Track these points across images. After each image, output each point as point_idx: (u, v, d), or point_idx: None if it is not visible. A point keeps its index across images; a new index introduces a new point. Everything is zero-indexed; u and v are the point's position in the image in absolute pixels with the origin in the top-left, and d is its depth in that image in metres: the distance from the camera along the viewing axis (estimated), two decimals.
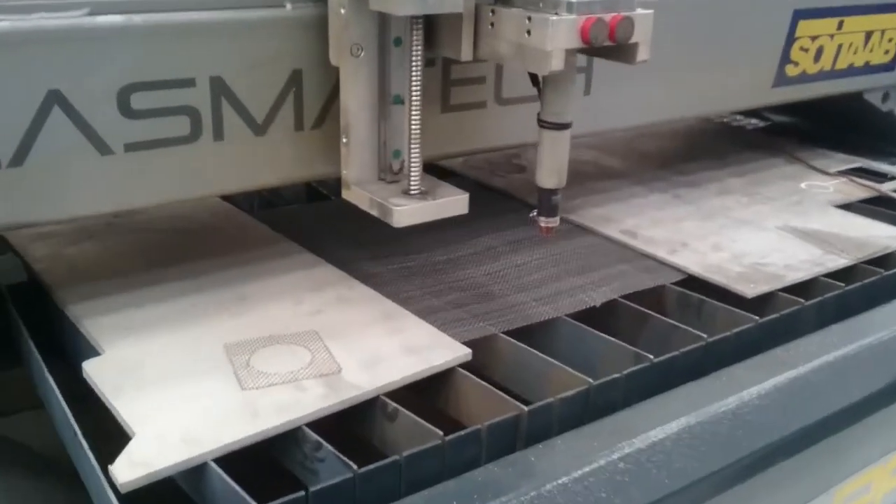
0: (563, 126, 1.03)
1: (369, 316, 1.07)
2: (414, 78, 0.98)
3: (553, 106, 1.02)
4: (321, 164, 1.10)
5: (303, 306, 1.09)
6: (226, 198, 1.42)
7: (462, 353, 0.99)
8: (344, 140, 1.04)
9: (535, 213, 1.08)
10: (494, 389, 0.95)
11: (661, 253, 1.31)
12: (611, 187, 1.60)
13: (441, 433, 0.86)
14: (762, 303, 1.21)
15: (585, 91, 1.34)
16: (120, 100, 0.94)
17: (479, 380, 0.97)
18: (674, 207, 1.51)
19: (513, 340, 1.06)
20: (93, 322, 1.03)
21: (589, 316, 1.17)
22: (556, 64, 0.93)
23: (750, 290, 1.20)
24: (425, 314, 1.10)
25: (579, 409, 0.96)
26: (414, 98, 0.99)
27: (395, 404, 0.91)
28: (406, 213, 0.99)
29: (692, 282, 1.25)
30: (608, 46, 0.99)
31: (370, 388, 0.92)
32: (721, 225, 1.44)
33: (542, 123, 1.03)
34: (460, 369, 0.99)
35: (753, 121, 2.18)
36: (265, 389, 0.91)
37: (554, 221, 1.09)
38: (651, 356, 1.03)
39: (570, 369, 1.00)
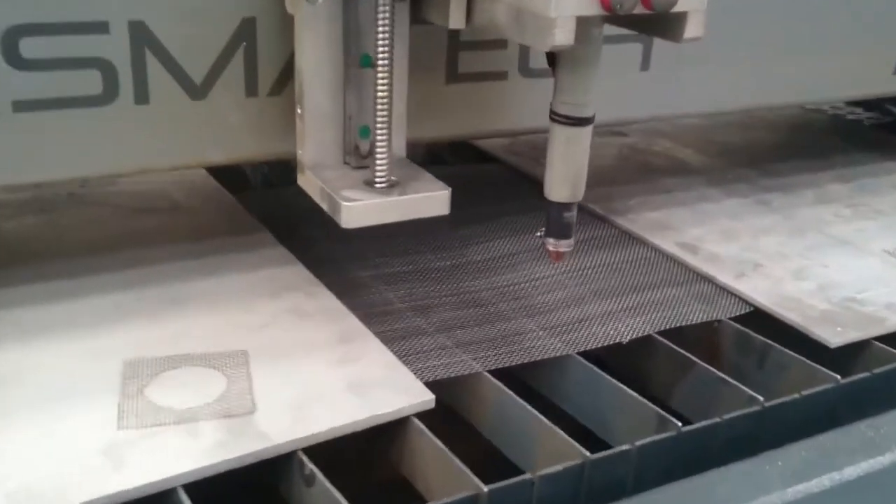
0: (582, 121, 0.77)
1: (322, 336, 0.84)
2: (381, 33, 0.74)
3: (568, 94, 0.76)
4: (281, 141, 0.87)
5: (247, 316, 0.87)
6: (222, 172, 1.22)
7: (421, 399, 0.76)
8: (298, 111, 0.81)
9: (541, 233, 0.83)
10: (451, 457, 0.71)
11: (725, 276, 1.03)
12: (678, 186, 1.31)
13: None
14: (850, 355, 0.92)
15: (643, 66, 1.07)
16: (5, 45, 0.74)
17: (435, 440, 0.73)
18: (754, 216, 1.22)
19: (499, 385, 0.81)
20: None
21: (613, 355, 0.91)
22: (563, 37, 0.67)
23: (834, 337, 0.91)
24: (397, 338, 0.86)
25: (568, 491, 0.71)
26: (381, 59, 0.75)
27: (311, 466, 0.68)
28: (357, 211, 0.75)
29: (759, 318, 0.97)
30: (645, 17, 0.72)
31: (282, 440, 0.69)
32: (811, 244, 1.14)
33: (555, 117, 0.77)
34: (416, 421, 0.75)
35: (872, 115, 1.82)
36: (148, 430, 0.70)
37: (566, 245, 0.82)
38: (678, 423, 0.76)
39: (562, 434, 0.74)
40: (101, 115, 0.79)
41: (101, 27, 0.77)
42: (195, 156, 0.86)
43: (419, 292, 0.97)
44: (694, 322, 0.94)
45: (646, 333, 0.91)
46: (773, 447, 0.78)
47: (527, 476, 0.69)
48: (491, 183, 1.34)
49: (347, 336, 0.85)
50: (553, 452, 0.75)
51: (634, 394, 0.81)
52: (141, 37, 0.79)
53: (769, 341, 0.91)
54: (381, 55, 0.74)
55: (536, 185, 1.30)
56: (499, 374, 0.86)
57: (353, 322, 0.87)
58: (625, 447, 0.73)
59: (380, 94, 0.75)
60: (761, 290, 1.00)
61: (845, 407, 0.85)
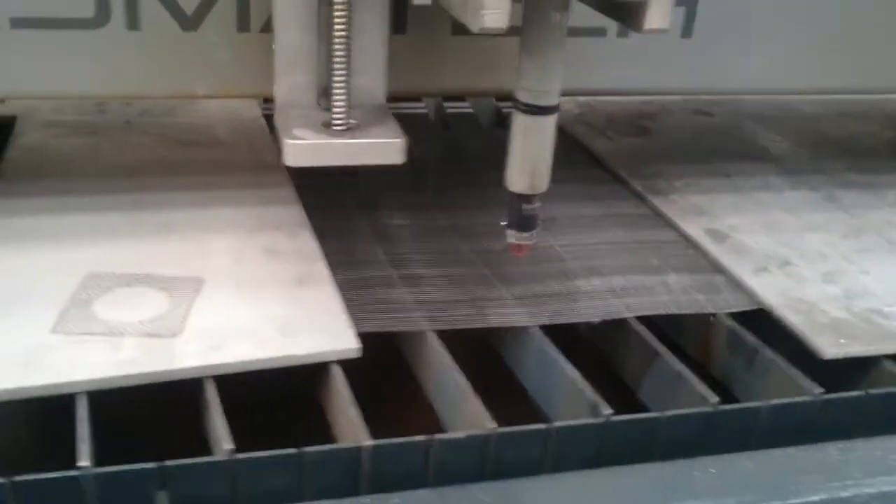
0: (542, 110, 0.72)
1: (282, 275, 0.85)
2: None
3: (528, 80, 0.71)
4: (272, 79, 0.87)
5: (222, 248, 0.89)
6: None
7: (345, 347, 0.75)
8: (273, 45, 0.81)
9: (506, 223, 0.79)
10: (351, 407, 0.70)
11: (742, 270, 0.94)
12: (741, 171, 1.21)
13: (230, 448, 0.64)
14: (851, 371, 0.82)
15: (684, 32, 0.99)
16: None
17: (344, 389, 0.72)
18: (812, 211, 1.11)
19: (439, 347, 0.79)
20: None
21: (595, 336, 0.86)
22: (493, 19, 0.62)
23: (832, 348, 0.82)
24: (357, 287, 0.85)
25: (469, 460, 0.68)
26: None
27: (212, 395, 0.69)
28: (300, 150, 0.74)
29: (764, 318, 0.88)
30: (604, 2, 0.67)
31: (188, 365, 0.70)
32: (862, 247, 1.02)
33: (515, 103, 0.73)
34: (335, 367, 0.74)
35: None
36: (77, 337, 0.73)
37: (527, 238, 0.78)
38: (609, 412, 0.71)
39: (481, 406, 0.71)
40: (92, 37, 0.83)
41: None
42: (183, 87, 0.88)
43: (409, 247, 0.96)
44: (685, 312, 0.88)
45: (622, 316, 0.85)
46: (722, 453, 0.72)
47: (420, 438, 0.67)
48: None
49: (306, 278, 0.85)
50: (471, 421, 0.72)
51: (577, 376, 0.76)
52: None
53: (759, 342, 0.83)
54: None
55: (589, 156, 1.27)
56: (468, 338, 0.84)
57: (319, 266, 0.87)
58: (539, 426, 0.70)
59: (336, 33, 0.74)
60: (775, 289, 0.90)
61: (825, 425, 0.76)
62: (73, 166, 1.05)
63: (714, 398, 0.74)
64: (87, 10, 0.82)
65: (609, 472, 0.70)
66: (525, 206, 0.76)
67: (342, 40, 0.74)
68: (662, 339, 0.95)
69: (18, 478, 0.59)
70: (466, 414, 0.73)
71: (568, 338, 0.87)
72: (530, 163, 0.74)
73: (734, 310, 0.88)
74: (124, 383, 0.69)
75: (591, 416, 0.73)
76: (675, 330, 0.93)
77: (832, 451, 0.72)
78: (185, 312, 0.77)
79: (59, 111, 1.21)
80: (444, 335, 0.82)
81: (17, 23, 0.81)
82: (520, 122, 0.72)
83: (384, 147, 0.76)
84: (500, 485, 0.68)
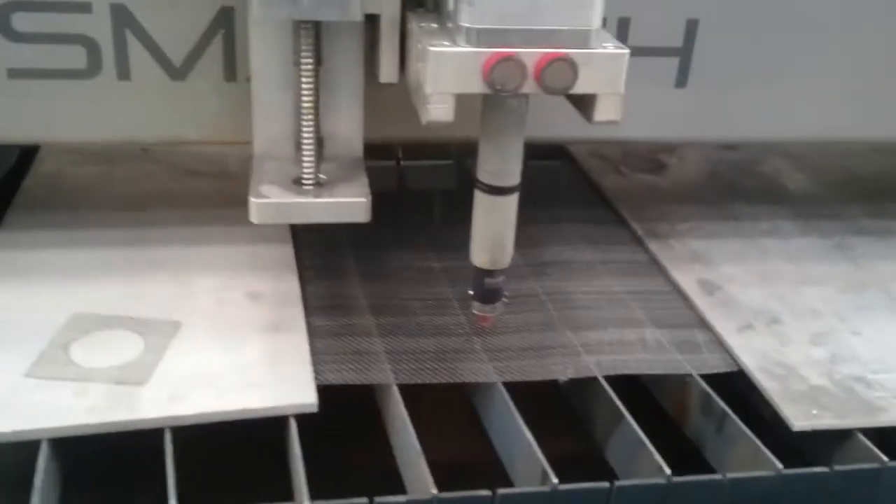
0: (501, 191, 0.73)
1: (259, 321, 0.87)
2: (304, 38, 0.74)
3: (487, 162, 0.72)
4: None
5: (205, 290, 0.92)
6: None
7: (302, 401, 0.76)
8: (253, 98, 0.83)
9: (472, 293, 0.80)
10: (299, 464, 0.71)
11: (727, 326, 0.92)
12: (751, 214, 1.18)
13: None
14: (825, 443, 0.80)
15: (679, 83, 0.97)
16: (0, 18, 0.83)
17: (295, 446, 0.73)
18: (816, 261, 1.08)
19: (399, 401, 0.80)
20: None
21: (546, 394, 0.86)
22: (438, 112, 0.64)
23: (801, 420, 0.80)
24: (331, 335, 0.87)
25: None
26: (304, 60, 0.75)
27: (168, 446, 0.72)
28: (265, 209, 0.76)
29: (741, 380, 0.86)
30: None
31: (147, 416, 0.73)
32: (862, 304, 0.99)
33: (476, 183, 0.74)
34: (291, 422, 0.75)
35: None
36: (48, 382, 0.76)
37: (490, 310, 0.79)
38: (555, 481, 0.71)
39: (426, 470, 0.72)
40: (85, 87, 0.86)
41: (84, 7, 0.83)
42: (174, 133, 0.91)
43: (391, 291, 0.97)
44: (657, 373, 0.86)
45: (590, 376, 0.85)
46: None
47: (359, 501, 0.68)
48: (549, 184, 1.29)
49: (281, 325, 0.87)
50: (415, 482, 0.73)
51: (531, 440, 0.76)
52: (122, 18, 0.84)
53: (727, 410, 0.82)
54: (304, 57, 0.74)
55: (597, 194, 1.26)
56: (445, 389, 0.85)
57: (297, 312, 0.89)
58: (483, 492, 0.70)
59: (304, 94, 0.76)
60: (756, 350, 0.89)
61: (788, 500, 0.74)
62: (83, 197, 1.10)
63: (667, 470, 0.73)
64: (80, 62, 0.85)
65: None
66: (487, 280, 0.77)
67: (309, 100, 0.76)
68: (644, 395, 0.95)
69: None
70: (415, 476, 0.74)
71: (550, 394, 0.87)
72: (491, 240, 0.75)
73: (708, 371, 0.86)
74: (84, 432, 0.72)
75: (541, 483, 0.73)
76: (655, 387, 0.93)
77: None
78: (156, 359, 0.80)
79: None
80: (417, 387, 0.83)
81: (14, 73, 0.85)
82: (480, 200, 0.73)
83: (348, 206, 0.77)
84: None
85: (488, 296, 0.78)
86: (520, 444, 0.78)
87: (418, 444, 0.75)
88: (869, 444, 0.78)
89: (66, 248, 0.98)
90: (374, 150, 1.36)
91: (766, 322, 0.94)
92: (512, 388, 0.84)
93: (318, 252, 1.03)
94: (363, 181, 0.80)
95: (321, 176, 0.79)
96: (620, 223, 1.16)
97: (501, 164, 0.71)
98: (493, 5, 0.63)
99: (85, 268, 0.94)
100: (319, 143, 0.82)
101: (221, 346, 0.83)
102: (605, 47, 0.66)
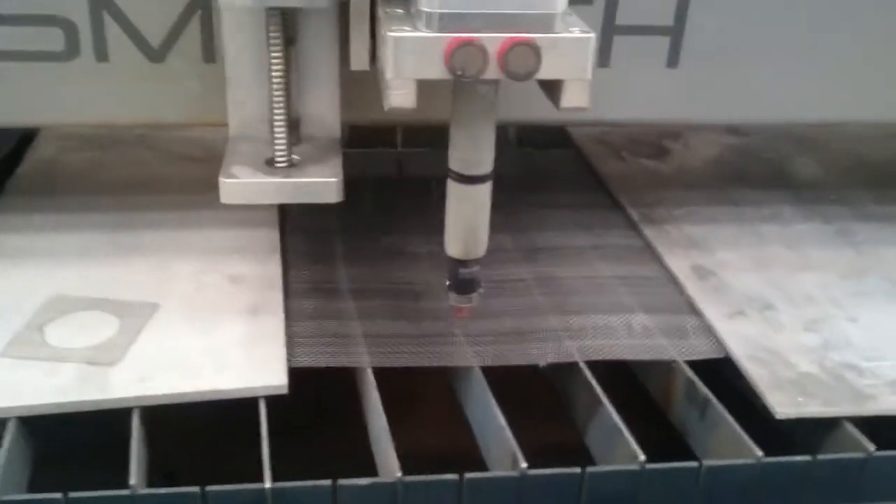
0: (472, 179, 0.71)
1: (237, 304, 0.86)
2: (272, 19, 0.73)
3: (458, 150, 0.70)
4: None
5: (186, 273, 0.91)
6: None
7: (272, 383, 0.75)
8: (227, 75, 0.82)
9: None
10: (265, 445, 0.70)
11: (717, 312, 0.90)
12: (752, 200, 1.15)
13: (135, 483, 0.65)
14: (813, 432, 0.77)
15: (670, 63, 0.95)
16: None
17: (262, 427, 0.72)
18: (816, 247, 1.04)
19: (372, 384, 0.79)
20: None
21: (533, 381, 0.84)
22: (399, 99, 0.62)
23: (785, 407, 0.77)
24: (308, 317, 0.86)
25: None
26: (272, 39, 0.74)
27: (136, 425, 0.71)
28: (234, 188, 0.75)
29: (727, 368, 0.84)
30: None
31: (115, 395, 0.73)
32: (861, 290, 0.95)
33: (448, 172, 0.72)
34: (260, 404, 0.74)
35: None
36: (22, 361, 0.76)
37: (465, 301, 0.77)
38: (524, 466, 0.69)
39: (393, 453, 0.70)
40: (64, 69, 0.86)
41: None
42: (153, 115, 0.90)
43: (375, 276, 0.95)
44: (642, 359, 0.84)
45: (571, 360, 0.83)
46: None
47: (324, 483, 0.67)
48: (550, 172, 1.27)
49: (259, 308, 0.86)
50: (383, 465, 0.72)
51: (503, 424, 0.74)
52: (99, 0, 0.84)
53: (710, 396, 0.79)
54: (273, 40, 0.73)
55: (596, 180, 1.23)
56: (434, 381, 0.83)
57: (276, 296, 0.88)
58: (450, 477, 0.69)
59: (274, 75, 0.75)
60: (745, 336, 0.86)
61: (768, 489, 0.72)
62: (74, 183, 1.10)
63: (641, 457, 0.71)
64: (59, 44, 0.85)
65: None
66: (462, 271, 0.75)
67: (280, 81, 0.75)
68: (631, 381, 0.93)
69: None
70: (382, 458, 0.73)
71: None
72: (463, 230, 0.73)
73: (694, 358, 0.84)
74: (51, 411, 0.72)
75: (511, 467, 0.71)
76: (643, 374, 0.90)
77: None
78: (129, 340, 0.80)
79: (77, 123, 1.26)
80: (404, 378, 0.82)
81: None
82: (452, 189, 0.72)
83: (319, 186, 0.76)
84: None
85: (463, 286, 0.77)
86: (494, 428, 0.76)
87: (387, 427, 0.73)
88: (856, 432, 0.75)
89: (52, 232, 0.98)
90: (375, 137, 1.38)
91: (758, 308, 0.91)
92: (498, 375, 0.82)
93: (305, 237, 1.02)
94: (337, 162, 0.79)
95: (294, 157, 0.78)
96: (617, 209, 1.14)
97: (472, 152, 0.70)
98: None
99: (68, 251, 0.94)
100: (294, 124, 0.81)
101: (197, 328, 0.82)
102: (571, 31, 0.64)
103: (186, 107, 0.90)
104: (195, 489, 0.66)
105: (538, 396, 0.92)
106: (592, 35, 0.64)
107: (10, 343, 0.78)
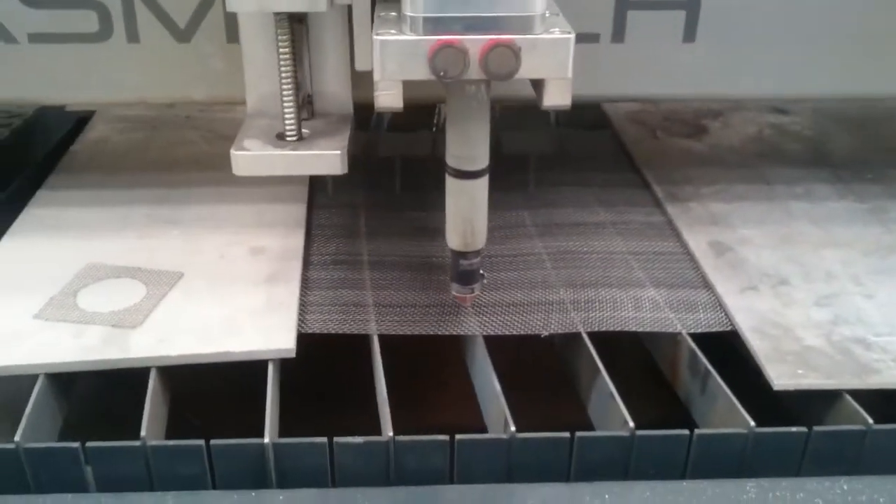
0: (468, 175, 0.74)
1: (256, 274, 0.90)
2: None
3: (453, 147, 0.74)
4: None
5: (212, 245, 0.96)
6: None
7: (280, 346, 0.79)
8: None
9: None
10: (272, 405, 0.74)
11: (728, 287, 0.89)
12: (785, 178, 1.14)
13: (144, 435, 0.70)
14: (816, 407, 0.77)
15: (687, 37, 0.94)
16: None
17: (273, 386, 0.76)
18: (845, 225, 1.02)
19: (377, 350, 0.82)
20: (28, 213, 1.03)
21: (529, 348, 0.86)
22: (387, 99, 0.65)
23: (783, 379, 0.77)
24: (323, 287, 0.90)
25: (371, 468, 0.71)
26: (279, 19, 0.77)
27: (154, 384, 0.76)
28: (245, 160, 0.80)
29: (734, 341, 0.84)
30: None
31: (133, 355, 0.78)
32: (884, 268, 0.93)
33: (446, 168, 0.76)
34: (270, 366, 0.78)
35: None
36: (52, 323, 0.82)
37: (467, 291, 0.81)
38: (513, 429, 0.71)
39: (388, 414, 0.73)
40: (98, 49, 0.92)
41: None
42: (181, 93, 0.95)
43: (393, 249, 0.98)
44: (648, 330, 0.85)
45: (573, 331, 0.84)
46: (641, 479, 0.71)
47: (319, 440, 0.70)
48: (583, 152, 1.28)
49: (276, 277, 0.90)
50: (373, 426, 0.75)
51: (498, 391, 0.76)
52: None
53: (710, 369, 0.79)
54: (280, 35, 0.77)
55: (627, 159, 1.23)
56: (440, 340, 0.86)
57: (294, 266, 0.92)
58: (441, 437, 0.71)
59: (281, 51, 0.78)
60: (754, 310, 0.86)
61: (761, 460, 0.72)
62: (120, 160, 1.16)
63: (631, 423, 0.72)
64: (93, 26, 0.90)
65: (505, 489, 0.70)
66: (462, 262, 0.79)
67: (287, 59, 0.78)
68: (643, 355, 0.93)
69: None
70: (384, 419, 0.76)
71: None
72: (462, 223, 0.76)
73: (697, 331, 0.84)
74: (77, 368, 0.77)
75: (503, 431, 0.73)
76: (652, 347, 0.91)
77: (749, 488, 0.69)
78: (153, 306, 0.85)
79: (131, 106, 1.33)
80: (409, 339, 0.84)
81: (34, 38, 0.91)
82: (450, 185, 0.75)
83: (324, 159, 0.79)
84: (398, 491, 0.70)
85: (464, 277, 0.80)
86: (490, 394, 0.78)
87: (385, 391, 0.76)
88: (856, 405, 0.74)
89: (93, 206, 1.04)
90: (416, 120, 1.40)
91: (772, 284, 0.90)
92: (509, 347, 0.84)
93: (332, 213, 1.06)
94: (344, 136, 0.82)
95: (305, 131, 0.82)
96: (644, 187, 1.14)
97: (467, 148, 0.73)
98: None
99: (108, 224, 1.00)
100: (307, 100, 0.84)
101: (216, 295, 0.87)
102: (551, 32, 0.66)
103: (212, 85, 0.94)
104: (199, 442, 0.70)
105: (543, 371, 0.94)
106: (572, 36, 0.65)
107: (45, 306, 0.84)
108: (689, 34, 0.94)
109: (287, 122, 0.81)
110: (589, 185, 1.13)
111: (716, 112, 1.37)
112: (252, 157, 0.79)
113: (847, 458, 0.73)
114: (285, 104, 0.80)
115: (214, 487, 0.72)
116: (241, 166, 0.80)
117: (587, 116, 1.38)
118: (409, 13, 0.64)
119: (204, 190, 1.08)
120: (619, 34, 0.94)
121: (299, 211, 1.03)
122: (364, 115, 1.31)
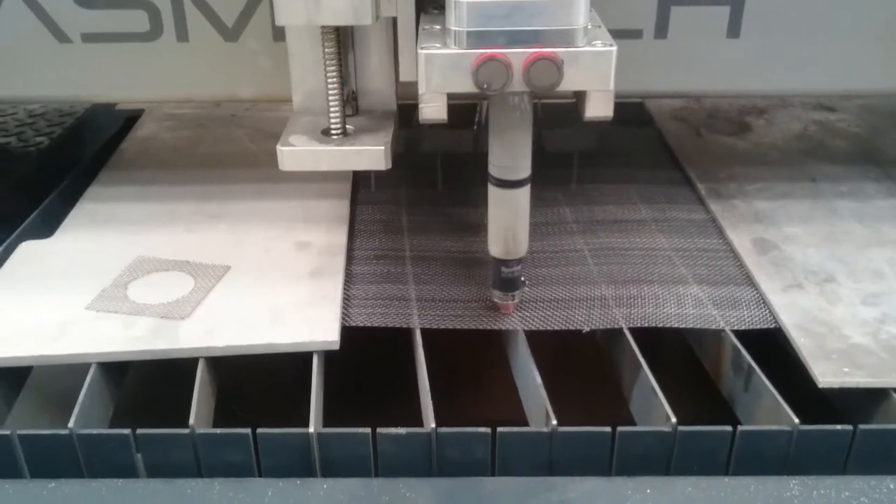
0: (510, 184, 0.75)
1: (301, 268, 0.92)
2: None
3: (495, 157, 0.75)
4: None
5: (259, 239, 0.97)
6: None
7: (325, 339, 0.80)
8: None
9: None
10: (317, 396, 0.75)
11: (772, 284, 0.89)
12: (832, 176, 1.12)
13: (192, 423, 0.72)
14: (863, 406, 0.76)
15: (730, 32, 0.94)
16: None
17: (318, 378, 0.77)
18: (893, 224, 1.01)
19: (419, 343, 0.82)
20: (80, 208, 1.06)
21: (571, 344, 0.86)
22: (431, 111, 0.66)
23: (830, 377, 0.76)
24: (366, 281, 0.91)
25: (414, 457, 0.72)
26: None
27: (202, 373, 0.78)
28: (290, 155, 0.81)
29: (779, 339, 0.83)
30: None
31: (184, 346, 0.79)
32: None
33: (489, 177, 0.77)
34: (315, 357, 0.80)
35: None
36: (103, 314, 0.84)
37: (508, 298, 0.82)
38: (555, 422, 0.71)
39: (430, 406, 0.74)
40: (148, 49, 0.94)
41: None
42: (228, 91, 0.97)
43: (435, 245, 0.99)
44: (690, 327, 0.84)
45: (614, 327, 0.84)
46: (683, 475, 0.71)
47: (362, 430, 0.71)
48: (626, 149, 1.27)
49: (321, 271, 0.91)
50: (426, 416, 0.75)
51: (539, 383, 0.77)
52: None
53: (754, 365, 0.79)
54: (327, 45, 0.79)
55: (670, 156, 1.23)
56: (481, 334, 0.87)
57: (339, 261, 0.93)
58: (483, 430, 0.72)
59: (326, 50, 0.79)
60: (799, 308, 0.85)
61: (805, 457, 0.72)
62: (169, 158, 1.19)
63: (673, 419, 0.72)
64: (143, 26, 0.93)
65: (546, 482, 0.71)
66: (504, 270, 0.80)
67: (332, 55, 0.79)
68: (685, 352, 0.93)
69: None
70: (425, 411, 0.76)
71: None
72: (504, 231, 0.77)
73: (741, 327, 0.84)
74: (126, 358, 0.79)
75: (544, 424, 0.74)
76: (697, 345, 0.91)
77: (792, 486, 0.68)
78: (200, 298, 0.87)
79: (180, 105, 1.36)
80: (450, 333, 0.85)
81: (87, 37, 0.93)
82: (493, 193, 0.76)
83: (369, 154, 0.80)
84: (440, 482, 0.71)
85: (506, 284, 0.81)
86: (532, 388, 0.79)
87: (428, 382, 0.77)
88: None
89: (144, 201, 1.06)
90: (458, 117, 1.41)
91: (817, 282, 0.89)
92: (550, 342, 0.85)
93: (376, 208, 1.07)
94: (388, 132, 0.83)
95: (349, 127, 0.83)
96: (687, 184, 1.13)
97: (510, 159, 0.74)
98: (478, 9, 0.64)
99: (157, 219, 1.03)
100: (352, 97, 0.86)
101: (262, 288, 0.88)
102: (593, 45, 0.66)
103: (258, 83, 0.96)
104: (246, 430, 0.72)
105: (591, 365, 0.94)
106: (614, 48, 0.66)
107: (97, 298, 0.87)
108: (734, 30, 0.93)
109: (332, 118, 0.82)
110: (631, 182, 1.13)
111: (760, 109, 1.36)
112: (297, 152, 0.81)
113: (894, 458, 0.72)
114: (330, 101, 0.81)
115: (260, 475, 0.73)
116: (287, 161, 0.81)
117: (630, 113, 1.37)
118: (453, 27, 0.65)
119: (250, 186, 1.10)
120: (662, 30, 0.93)
121: (343, 207, 1.05)
122: (406, 112, 1.32)
